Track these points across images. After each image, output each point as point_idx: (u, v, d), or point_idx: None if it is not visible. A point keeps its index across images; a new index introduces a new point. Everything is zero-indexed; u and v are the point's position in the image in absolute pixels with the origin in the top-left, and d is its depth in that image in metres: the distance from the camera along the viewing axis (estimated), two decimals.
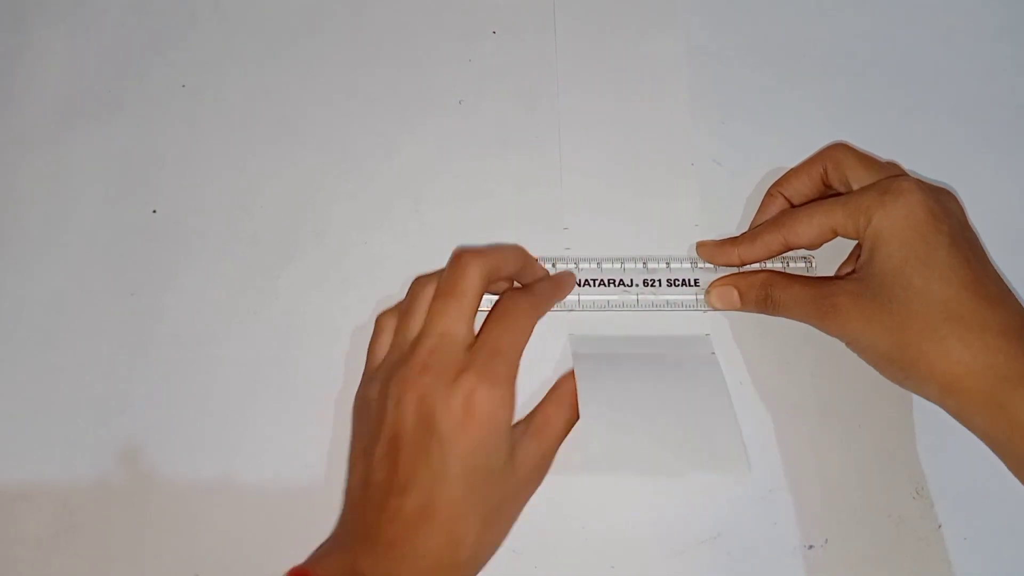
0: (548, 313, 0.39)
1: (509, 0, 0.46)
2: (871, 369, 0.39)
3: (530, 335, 0.35)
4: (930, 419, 0.39)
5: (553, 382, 0.37)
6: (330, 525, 0.34)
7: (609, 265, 0.41)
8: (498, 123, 0.44)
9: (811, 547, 0.37)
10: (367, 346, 0.37)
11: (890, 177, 0.36)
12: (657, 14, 0.47)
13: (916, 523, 0.37)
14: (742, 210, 0.42)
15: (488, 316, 0.35)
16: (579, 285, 0.40)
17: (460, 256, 0.35)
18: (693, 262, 0.41)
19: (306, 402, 0.39)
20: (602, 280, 0.41)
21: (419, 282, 0.36)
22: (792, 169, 0.41)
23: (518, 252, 0.38)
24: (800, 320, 0.38)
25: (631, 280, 0.41)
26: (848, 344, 0.37)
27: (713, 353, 0.39)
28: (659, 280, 0.41)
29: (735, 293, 0.39)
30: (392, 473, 0.32)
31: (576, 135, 0.44)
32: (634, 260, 0.41)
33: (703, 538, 0.37)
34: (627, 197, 0.43)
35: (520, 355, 0.34)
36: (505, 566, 0.36)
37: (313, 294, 0.41)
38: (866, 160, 0.38)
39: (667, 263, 0.41)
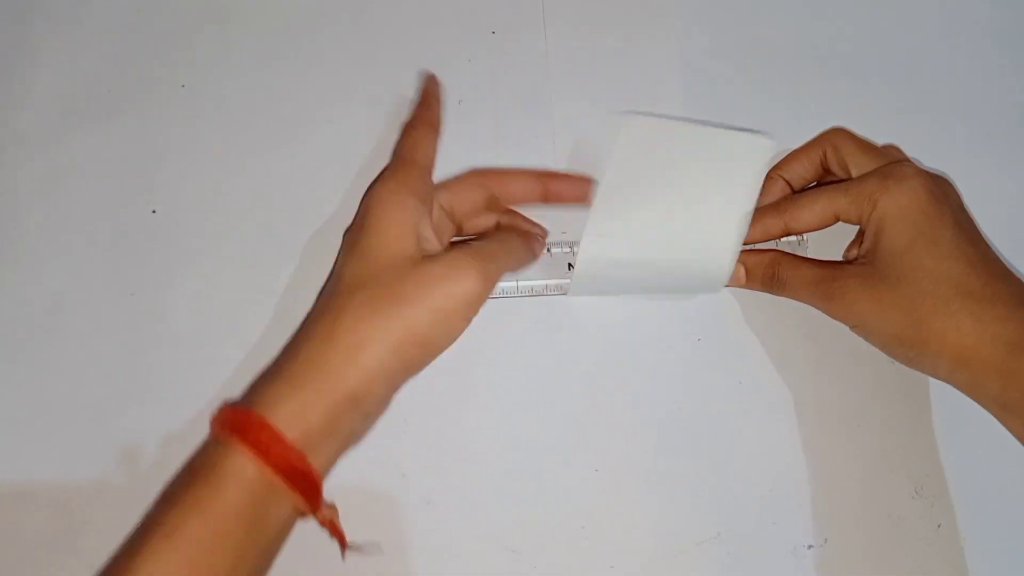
0: (545, 298, 0.40)
1: (508, 0, 0.46)
2: (871, 369, 0.39)
3: (433, 147, 0.38)
4: (930, 419, 0.39)
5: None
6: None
7: None
8: (497, 123, 0.44)
9: (811, 547, 0.37)
10: None
11: (891, 163, 0.37)
12: (655, 15, 0.47)
13: (916, 523, 0.37)
14: None
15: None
16: (573, 268, 0.40)
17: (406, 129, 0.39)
18: None
19: None
20: None
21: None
22: (792, 152, 0.41)
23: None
24: (805, 302, 0.38)
25: None
26: (854, 328, 0.37)
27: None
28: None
29: (742, 270, 0.40)
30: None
31: (574, 135, 0.44)
32: None
33: (703, 538, 0.37)
34: None
35: (424, 161, 0.37)
36: (505, 566, 0.36)
37: (313, 294, 0.41)
38: (865, 145, 0.39)
39: None
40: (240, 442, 0.30)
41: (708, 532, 0.37)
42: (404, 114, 0.41)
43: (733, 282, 0.40)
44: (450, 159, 0.43)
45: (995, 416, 0.34)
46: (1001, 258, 0.35)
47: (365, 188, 0.42)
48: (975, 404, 0.36)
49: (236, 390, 0.39)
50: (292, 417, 0.30)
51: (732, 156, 0.39)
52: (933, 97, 0.45)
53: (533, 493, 0.38)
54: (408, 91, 0.44)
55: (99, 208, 0.42)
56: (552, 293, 0.41)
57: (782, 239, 0.41)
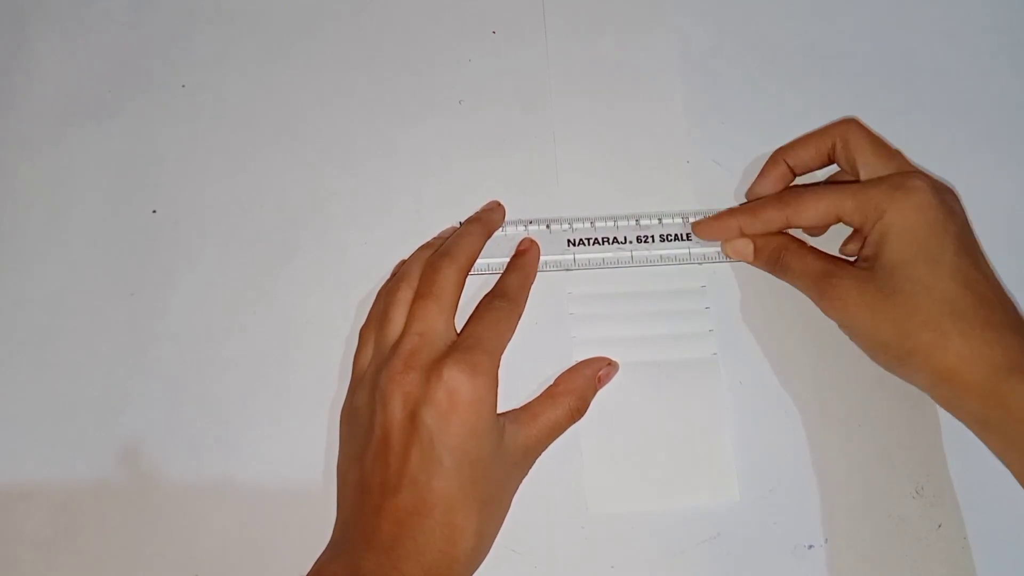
0: (546, 274, 0.40)
1: (508, 0, 0.46)
2: (871, 369, 0.39)
3: (512, 332, 0.36)
4: (930, 419, 0.39)
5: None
6: (329, 525, 0.34)
7: (603, 224, 0.41)
8: (498, 123, 0.44)
9: (811, 547, 0.37)
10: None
11: (901, 173, 0.37)
12: (655, 14, 0.47)
13: (916, 523, 0.37)
14: None
15: (468, 320, 0.36)
16: (573, 245, 0.41)
17: (432, 261, 0.37)
18: (684, 217, 0.41)
19: (306, 402, 0.39)
20: (596, 239, 0.41)
21: (389, 290, 0.38)
22: (801, 138, 0.41)
23: (479, 229, 0.40)
24: (802, 290, 0.39)
25: (624, 237, 0.41)
26: (842, 327, 0.37)
27: (715, 354, 0.40)
28: (652, 236, 0.41)
29: (751, 246, 0.40)
30: (385, 473, 0.32)
31: (574, 135, 0.44)
32: (627, 218, 0.41)
33: (703, 538, 0.37)
34: (625, 196, 0.43)
35: (502, 348, 0.35)
36: (505, 566, 0.36)
37: (313, 294, 0.41)
38: (878, 145, 0.38)
39: (659, 219, 0.41)
40: None
41: (708, 532, 0.37)
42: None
43: (741, 257, 0.40)
44: (450, 159, 0.43)
45: (974, 432, 0.35)
46: (998, 280, 0.36)
47: (365, 188, 0.42)
48: None
49: (236, 390, 0.39)
50: None
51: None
52: (933, 97, 0.45)
53: (533, 493, 0.38)
54: (408, 91, 0.44)
55: (99, 208, 0.42)
56: (552, 270, 0.41)
57: None
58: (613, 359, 0.39)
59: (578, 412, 0.37)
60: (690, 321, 0.41)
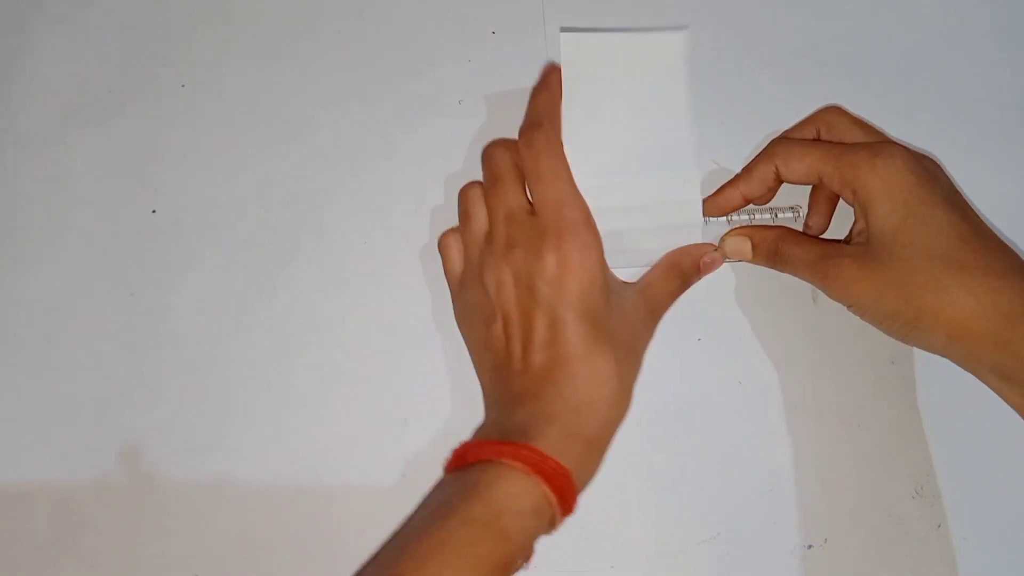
0: None
1: (508, 0, 0.46)
2: (871, 369, 0.39)
3: (568, 167, 0.36)
4: (930, 419, 0.39)
5: None
6: (330, 525, 0.34)
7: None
8: (497, 123, 0.44)
9: (811, 547, 0.37)
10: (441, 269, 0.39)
11: (880, 141, 0.38)
12: (656, 14, 0.47)
13: (916, 523, 0.37)
14: None
15: (527, 176, 0.36)
16: None
17: (488, 148, 0.38)
18: None
19: (306, 402, 0.39)
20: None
21: (462, 192, 0.39)
22: (786, 132, 0.42)
23: (540, 104, 0.39)
24: (804, 278, 0.39)
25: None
26: (851, 308, 0.37)
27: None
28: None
29: (748, 244, 0.40)
30: (515, 346, 0.34)
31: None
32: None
33: (703, 538, 0.37)
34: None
35: (577, 193, 0.35)
36: None
37: (313, 294, 0.41)
38: (860, 123, 0.39)
39: None
40: (518, 462, 0.31)
41: (708, 532, 0.37)
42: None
43: (740, 256, 0.40)
44: (450, 159, 0.43)
45: (992, 388, 0.34)
46: (996, 232, 0.36)
47: (365, 188, 0.42)
48: (976, 404, 0.36)
49: (236, 390, 0.39)
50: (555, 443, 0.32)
51: (650, 59, 0.40)
52: (933, 97, 0.45)
53: None
54: (408, 91, 0.44)
55: (99, 208, 0.42)
56: None
57: (779, 215, 0.41)
58: (721, 249, 0.40)
59: (685, 284, 0.39)
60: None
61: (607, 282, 0.35)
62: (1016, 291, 0.33)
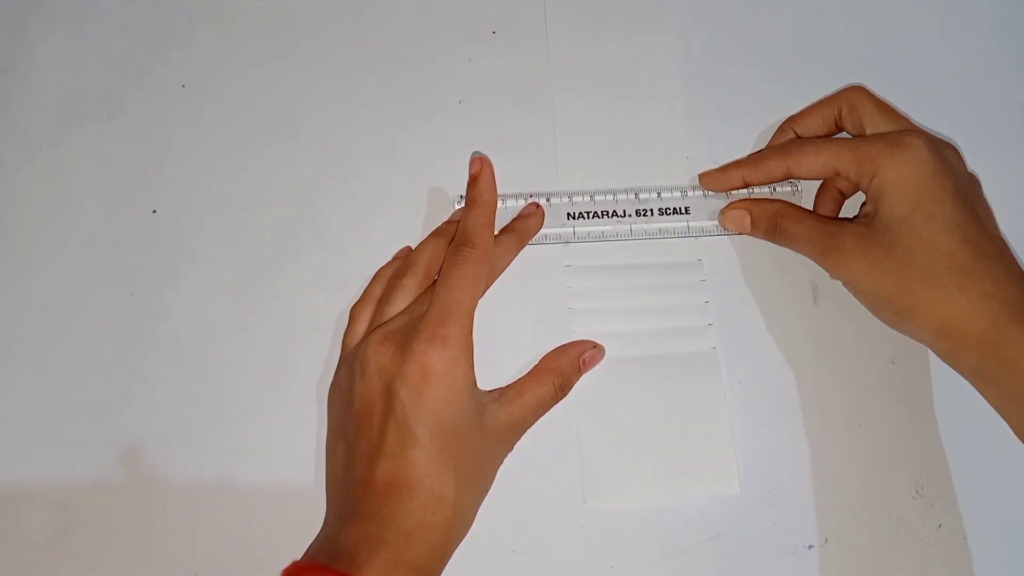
0: (544, 247, 0.40)
1: (508, 0, 0.46)
2: (871, 369, 0.39)
3: (480, 291, 0.36)
4: (930, 419, 0.39)
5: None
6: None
7: (602, 197, 0.42)
8: (498, 123, 0.44)
9: (811, 547, 0.37)
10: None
11: (900, 131, 0.38)
12: (656, 14, 0.47)
13: (916, 523, 0.37)
14: None
15: (437, 282, 0.36)
16: (572, 218, 0.41)
17: (423, 242, 0.39)
18: (682, 191, 0.42)
19: (306, 402, 0.39)
20: (595, 212, 0.41)
21: (395, 275, 0.38)
22: (808, 107, 0.42)
23: (512, 240, 0.39)
24: (804, 253, 0.39)
25: (623, 211, 0.41)
26: (847, 285, 0.38)
27: (714, 348, 0.40)
28: (650, 210, 0.41)
29: (747, 218, 0.40)
30: (367, 446, 0.33)
31: (574, 135, 0.44)
32: (626, 191, 0.42)
33: (703, 538, 0.37)
34: None
35: (471, 313, 0.35)
36: (505, 566, 0.36)
37: (313, 294, 0.41)
38: (883, 107, 0.39)
39: (658, 193, 0.42)
40: None
41: (708, 532, 0.37)
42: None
43: (739, 229, 0.41)
44: (450, 159, 0.43)
45: (972, 385, 0.35)
46: (1000, 234, 0.36)
47: (365, 188, 0.42)
48: (976, 403, 0.36)
49: (236, 390, 0.39)
50: (381, 572, 0.31)
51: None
52: (933, 97, 0.45)
53: (533, 493, 0.38)
54: (408, 91, 0.44)
55: (99, 208, 0.42)
56: (552, 242, 0.41)
57: (777, 188, 0.41)
58: (599, 343, 0.39)
59: (562, 391, 0.37)
60: (687, 293, 0.41)
61: (468, 398, 0.34)
62: (1008, 298, 0.34)
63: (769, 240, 0.40)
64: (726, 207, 0.41)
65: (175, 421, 0.39)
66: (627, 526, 0.37)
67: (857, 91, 0.40)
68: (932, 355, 0.40)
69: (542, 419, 0.38)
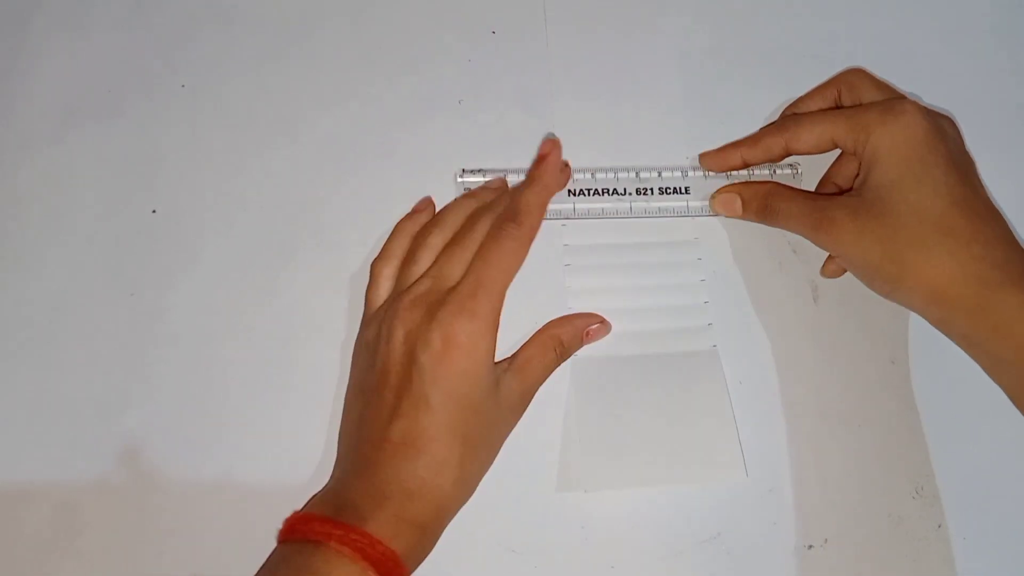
0: (544, 223, 0.39)
1: (508, 0, 0.46)
2: (871, 369, 0.39)
3: (521, 262, 0.36)
4: (930, 419, 0.39)
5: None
6: None
7: (603, 175, 0.42)
8: (497, 123, 0.44)
9: (811, 547, 0.37)
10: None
11: (895, 99, 0.38)
12: (655, 14, 0.47)
13: (916, 523, 0.37)
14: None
15: (476, 253, 0.36)
16: (573, 195, 0.41)
17: (464, 199, 0.39)
18: (683, 171, 0.42)
19: (306, 402, 0.39)
20: (596, 190, 0.42)
21: (421, 232, 0.38)
22: (808, 92, 0.42)
23: (538, 192, 0.38)
24: (796, 231, 0.39)
25: (624, 189, 0.42)
26: (839, 258, 0.38)
27: (714, 346, 0.40)
28: (651, 189, 0.42)
29: (738, 200, 0.40)
30: (382, 406, 0.34)
31: (574, 134, 0.44)
32: (627, 170, 0.42)
33: (703, 538, 0.37)
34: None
35: (503, 291, 0.35)
36: (505, 566, 0.36)
37: (313, 294, 0.41)
38: (882, 85, 0.40)
39: (659, 172, 0.42)
40: (346, 547, 0.30)
41: (708, 532, 0.37)
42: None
43: (731, 212, 0.41)
44: (450, 159, 0.43)
45: (964, 351, 0.35)
46: (991, 199, 0.36)
47: (365, 188, 0.42)
48: (976, 404, 0.37)
49: (236, 390, 0.39)
50: (385, 526, 0.31)
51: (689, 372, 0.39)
52: (933, 97, 0.45)
53: (533, 493, 0.38)
54: (408, 91, 0.44)
55: (99, 208, 0.42)
56: (552, 218, 0.41)
57: (777, 171, 0.42)
58: (607, 320, 0.39)
59: (562, 357, 0.38)
60: (683, 272, 0.41)
61: (487, 372, 0.34)
62: (996, 260, 0.33)
63: (761, 221, 0.40)
64: (716, 192, 0.41)
65: (175, 421, 0.39)
66: (627, 526, 0.37)
67: (856, 71, 0.40)
68: (932, 355, 0.40)
69: (542, 419, 0.38)
